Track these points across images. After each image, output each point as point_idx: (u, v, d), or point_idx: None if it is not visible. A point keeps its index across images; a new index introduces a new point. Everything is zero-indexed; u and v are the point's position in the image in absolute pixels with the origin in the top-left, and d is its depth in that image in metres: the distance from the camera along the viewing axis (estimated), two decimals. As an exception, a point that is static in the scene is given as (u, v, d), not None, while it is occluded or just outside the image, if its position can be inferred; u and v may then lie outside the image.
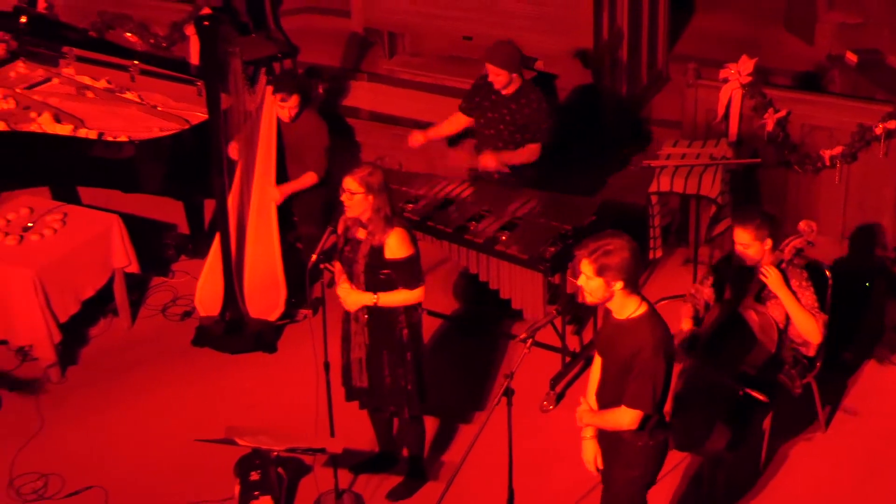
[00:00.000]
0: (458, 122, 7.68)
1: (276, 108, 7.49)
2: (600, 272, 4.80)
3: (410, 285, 5.87)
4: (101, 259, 7.64)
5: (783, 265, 6.04)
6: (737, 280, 6.21)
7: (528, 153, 7.40)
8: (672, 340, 5.03)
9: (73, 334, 7.63)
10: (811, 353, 6.24)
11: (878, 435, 6.67)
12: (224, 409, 7.02)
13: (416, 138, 7.72)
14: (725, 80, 7.92)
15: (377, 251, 5.82)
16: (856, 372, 7.11)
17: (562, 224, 7.03)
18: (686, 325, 6.19)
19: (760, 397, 5.98)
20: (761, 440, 6.36)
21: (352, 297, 5.89)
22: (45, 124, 8.28)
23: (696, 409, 6.08)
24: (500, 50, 7.32)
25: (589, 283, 4.86)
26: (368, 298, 5.86)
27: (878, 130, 7.54)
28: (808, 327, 6.03)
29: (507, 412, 5.03)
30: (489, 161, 7.42)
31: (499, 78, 7.31)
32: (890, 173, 7.67)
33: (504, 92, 7.37)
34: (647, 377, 4.86)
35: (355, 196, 5.73)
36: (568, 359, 7.17)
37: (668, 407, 5.15)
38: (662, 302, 7.35)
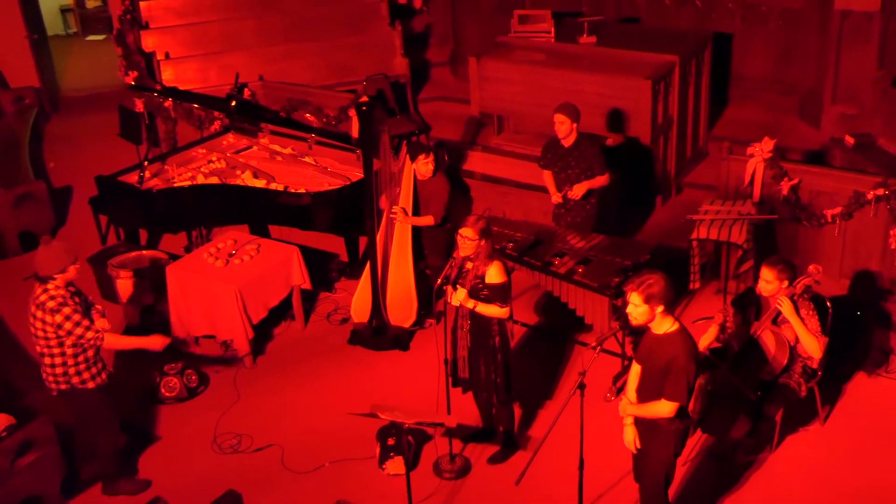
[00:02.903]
0: (549, 176, 7.63)
1: (418, 166, 7.45)
2: (647, 300, 4.85)
3: (502, 304, 5.89)
4: (283, 278, 7.72)
5: (795, 297, 5.95)
6: (758, 308, 6.13)
7: (600, 181, 7.42)
8: (697, 350, 5.00)
9: (262, 333, 7.72)
10: (814, 365, 6.14)
11: (866, 429, 6.49)
12: (370, 391, 7.05)
13: (556, 198, 7.59)
14: (751, 156, 7.84)
15: (479, 278, 5.86)
16: (849, 381, 6.93)
17: (623, 260, 6.98)
18: (713, 331, 6.11)
19: (751, 396, 5.92)
20: (773, 429, 6.24)
21: (460, 296, 5.91)
22: (246, 179, 8.46)
23: (723, 404, 5.99)
24: (565, 105, 7.35)
25: (636, 309, 4.90)
26: (470, 303, 5.89)
27: (870, 196, 7.42)
28: (811, 346, 5.94)
29: (580, 400, 5.01)
30: (575, 193, 7.42)
31: (562, 126, 7.30)
32: (878, 229, 7.50)
33: (566, 144, 7.36)
34: (682, 377, 4.86)
35: (471, 241, 5.79)
36: (626, 362, 7.09)
37: (691, 405, 5.10)
38: (699, 322, 7.29)
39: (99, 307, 6.06)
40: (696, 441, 6.30)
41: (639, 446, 5.27)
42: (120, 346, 6.23)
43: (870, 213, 7.48)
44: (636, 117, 8.97)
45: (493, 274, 5.84)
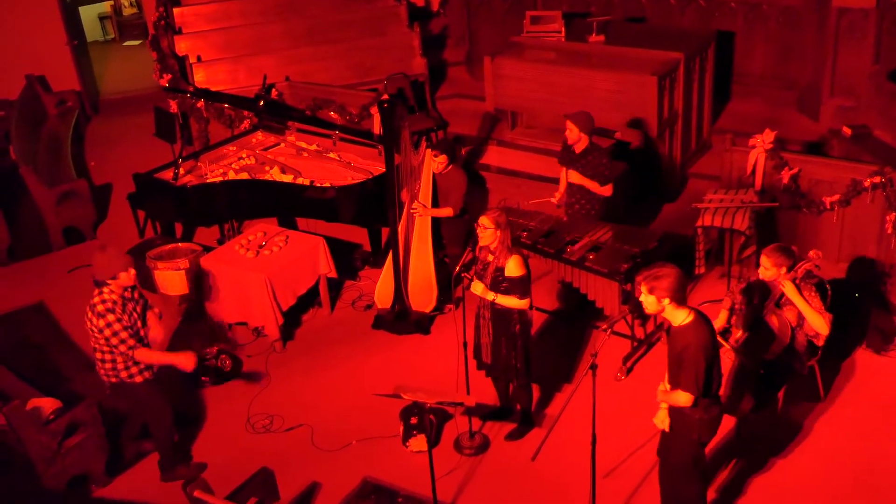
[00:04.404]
0: (563, 174, 7.58)
1: (432, 163, 7.51)
2: (651, 291, 4.80)
3: (521, 296, 5.86)
4: (310, 267, 7.73)
5: (797, 281, 5.91)
6: (762, 292, 6.09)
7: (600, 190, 7.27)
8: (714, 340, 4.91)
9: (292, 319, 7.72)
10: (821, 342, 6.08)
11: (861, 403, 6.47)
12: (393, 373, 7.06)
13: (556, 198, 7.56)
14: (753, 147, 7.79)
15: (500, 270, 5.83)
16: (847, 358, 6.89)
17: (632, 248, 6.95)
18: (723, 315, 6.09)
19: (758, 370, 5.88)
20: (777, 405, 6.22)
21: (479, 289, 5.91)
22: (275, 175, 8.46)
23: (731, 383, 5.96)
24: (577, 114, 7.24)
25: (644, 298, 4.87)
26: (490, 296, 5.87)
27: (866, 184, 7.38)
28: (818, 324, 5.90)
29: (592, 380, 4.99)
30: (573, 177, 7.31)
31: (571, 133, 7.19)
32: (874, 215, 7.45)
33: (576, 150, 7.27)
34: (691, 368, 4.81)
35: (487, 230, 5.77)
36: (635, 343, 7.07)
37: (723, 390, 5.00)
38: (705, 304, 7.25)
39: (157, 310, 6.04)
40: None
41: (667, 429, 5.18)
42: (151, 360, 5.90)
43: (867, 200, 7.43)
44: (643, 112, 8.92)
45: (513, 267, 5.80)
